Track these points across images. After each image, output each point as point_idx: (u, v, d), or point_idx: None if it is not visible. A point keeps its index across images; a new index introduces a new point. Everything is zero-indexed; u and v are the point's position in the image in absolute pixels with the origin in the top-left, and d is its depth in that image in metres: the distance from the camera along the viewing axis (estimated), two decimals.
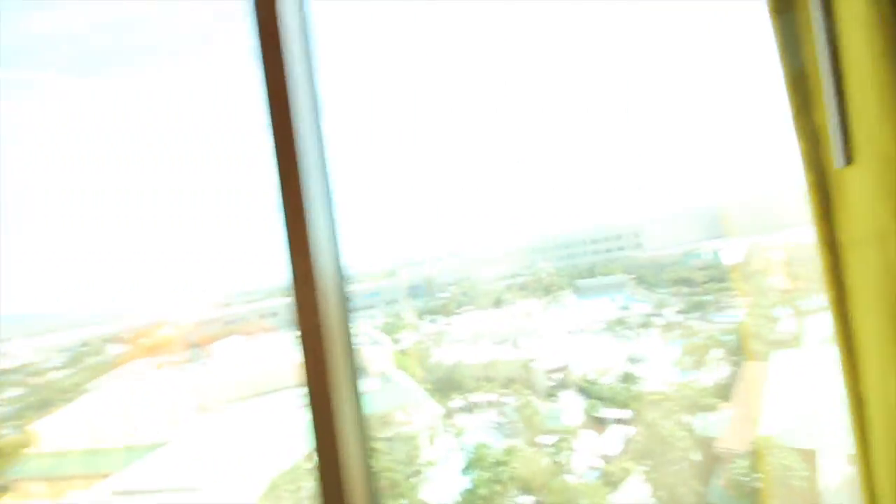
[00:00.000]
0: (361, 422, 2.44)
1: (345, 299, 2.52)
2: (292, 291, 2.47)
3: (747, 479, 22.67)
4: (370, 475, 2.35)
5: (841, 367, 2.08)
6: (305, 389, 2.45)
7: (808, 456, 22.99)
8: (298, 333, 2.46)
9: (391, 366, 51.96)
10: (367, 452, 2.32)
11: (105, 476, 27.35)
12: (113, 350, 37.24)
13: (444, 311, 75.03)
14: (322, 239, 2.55)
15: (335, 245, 2.64)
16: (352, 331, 2.45)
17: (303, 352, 2.47)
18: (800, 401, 25.73)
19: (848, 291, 2.01)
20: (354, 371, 2.54)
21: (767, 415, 25.98)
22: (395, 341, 70.93)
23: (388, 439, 35.75)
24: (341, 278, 2.61)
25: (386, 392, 45.04)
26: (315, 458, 2.29)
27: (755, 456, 22.47)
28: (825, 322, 24.45)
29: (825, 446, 23.10)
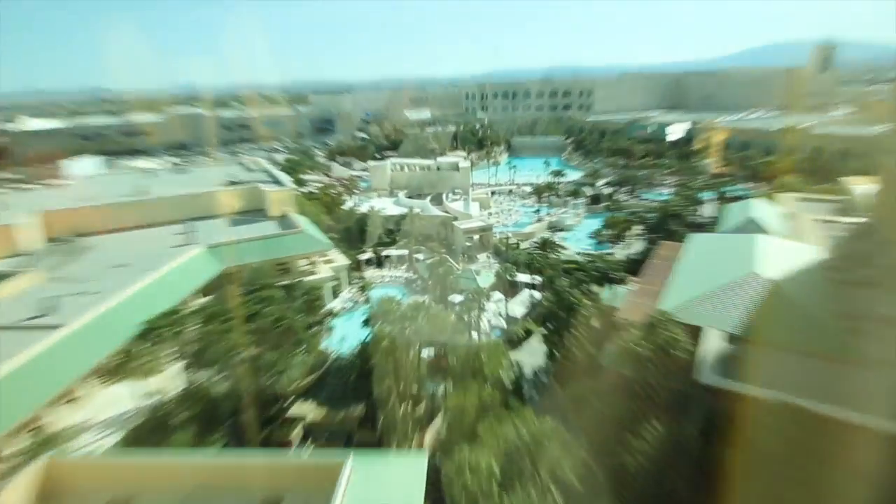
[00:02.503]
0: None
1: None
2: None
3: (638, 347, 23.65)
4: None
5: None
6: None
7: (695, 332, 24.07)
8: None
9: (292, 210, 47.41)
10: None
11: None
12: None
13: (360, 154, 66.03)
14: None
15: None
16: None
17: None
18: (703, 282, 26.34)
19: None
20: None
21: (670, 292, 26.61)
22: (300, 183, 62.27)
23: (288, 287, 33.80)
24: None
25: (287, 238, 41.83)
26: None
27: (649, 327, 23.23)
28: (740, 211, 22.91)
29: (713, 325, 24.14)
